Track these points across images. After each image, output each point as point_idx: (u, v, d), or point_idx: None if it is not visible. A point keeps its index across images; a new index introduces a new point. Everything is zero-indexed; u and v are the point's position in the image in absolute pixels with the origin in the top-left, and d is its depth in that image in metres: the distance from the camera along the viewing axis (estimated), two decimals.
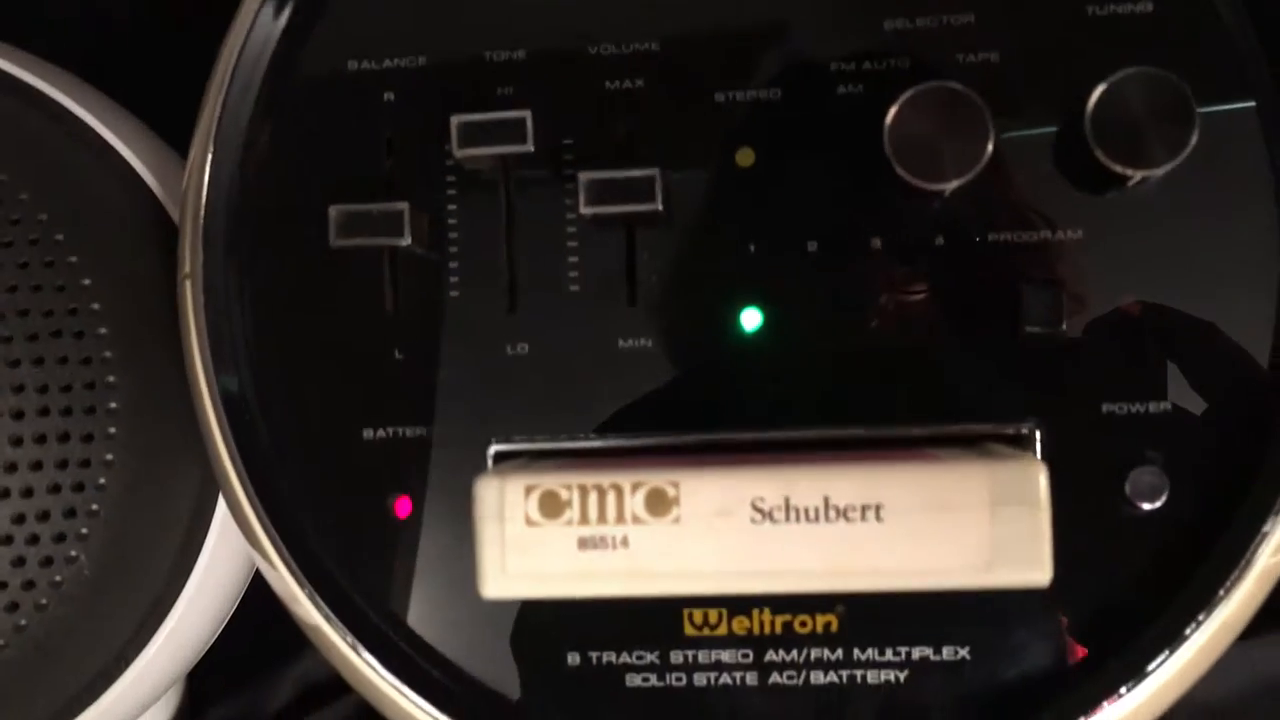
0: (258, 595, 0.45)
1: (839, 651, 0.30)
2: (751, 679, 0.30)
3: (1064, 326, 0.29)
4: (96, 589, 0.39)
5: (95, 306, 0.39)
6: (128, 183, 0.40)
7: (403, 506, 0.31)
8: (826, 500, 0.24)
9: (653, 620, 0.30)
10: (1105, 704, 0.29)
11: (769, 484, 0.24)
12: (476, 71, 0.31)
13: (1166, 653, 0.28)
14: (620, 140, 0.30)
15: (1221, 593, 0.28)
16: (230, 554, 0.43)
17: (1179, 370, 0.29)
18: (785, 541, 0.24)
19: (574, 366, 0.31)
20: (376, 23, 0.32)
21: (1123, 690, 0.28)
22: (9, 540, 0.37)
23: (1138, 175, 0.28)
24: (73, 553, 0.38)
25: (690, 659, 0.30)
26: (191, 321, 0.31)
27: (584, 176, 0.29)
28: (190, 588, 0.41)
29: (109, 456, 0.39)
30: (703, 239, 0.31)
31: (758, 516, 0.24)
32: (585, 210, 0.29)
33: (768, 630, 0.30)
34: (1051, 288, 0.29)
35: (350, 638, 0.31)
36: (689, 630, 0.30)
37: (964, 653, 0.30)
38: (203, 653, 0.47)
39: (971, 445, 0.28)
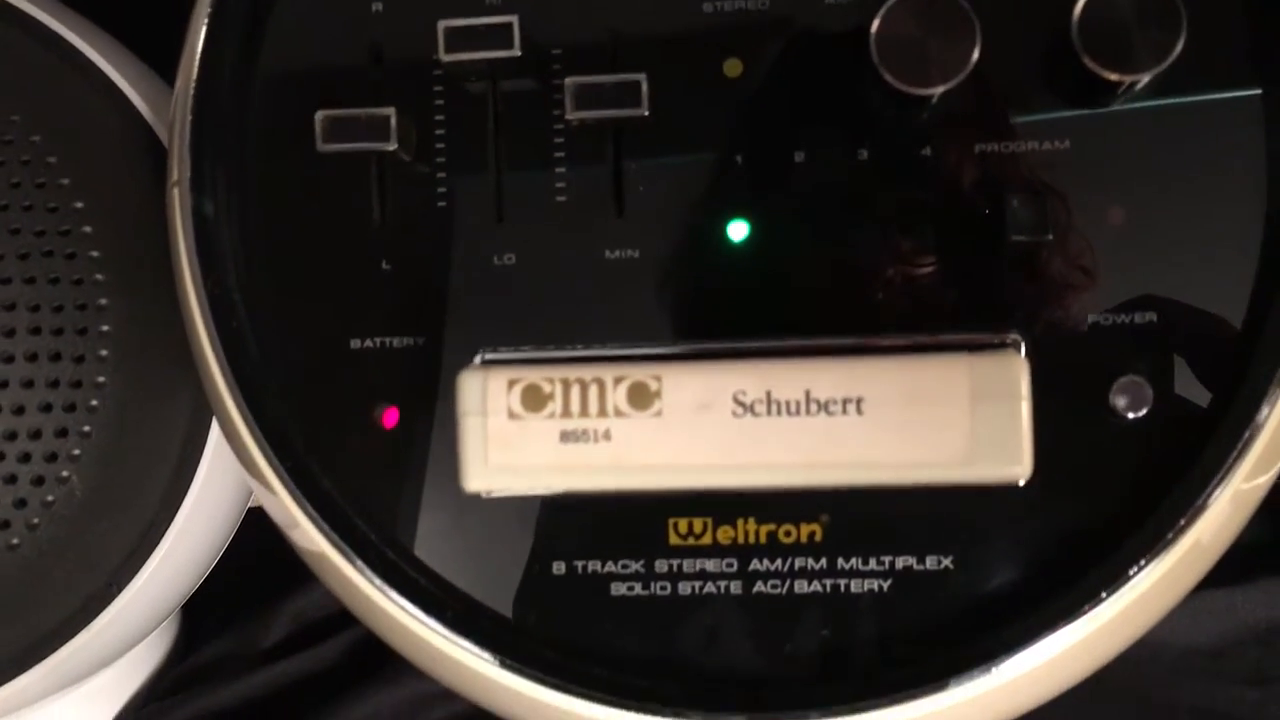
0: (252, 531, 0.46)
1: (823, 561, 0.30)
2: (736, 588, 0.30)
3: (1050, 236, 0.29)
4: (88, 511, 0.39)
5: (87, 229, 0.39)
6: (120, 108, 0.41)
7: (390, 417, 0.31)
8: (808, 394, 0.24)
9: (638, 530, 0.30)
10: (1087, 611, 0.29)
11: (751, 377, 0.24)
12: None
13: (1148, 560, 0.28)
14: (608, 50, 0.30)
15: (1202, 502, 0.28)
16: (225, 481, 0.43)
17: (1164, 281, 0.29)
18: (766, 435, 0.24)
19: (561, 277, 0.31)
20: None
21: (1104, 596, 0.28)
22: (1, 456, 0.38)
23: (1125, 81, 0.28)
24: (64, 473, 0.39)
25: (675, 568, 0.30)
26: (179, 229, 0.31)
27: (570, 81, 0.29)
28: (183, 513, 0.42)
29: (100, 378, 0.39)
30: (690, 150, 0.31)
31: (739, 410, 0.24)
32: (572, 115, 0.29)
33: (752, 540, 0.30)
34: (1038, 197, 0.29)
35: (346, 552, 0.31)
36: (674, 540, 0.30)
37: (947, 562, 0.30)
38: (198, 583, 0.47)
39: None
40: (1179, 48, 0.27)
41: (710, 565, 0.30)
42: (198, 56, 0.31)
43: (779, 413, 0.24)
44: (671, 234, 0.31)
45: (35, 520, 0.38)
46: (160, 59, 0.40)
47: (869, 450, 0.24)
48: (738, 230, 0.30)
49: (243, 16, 0.31)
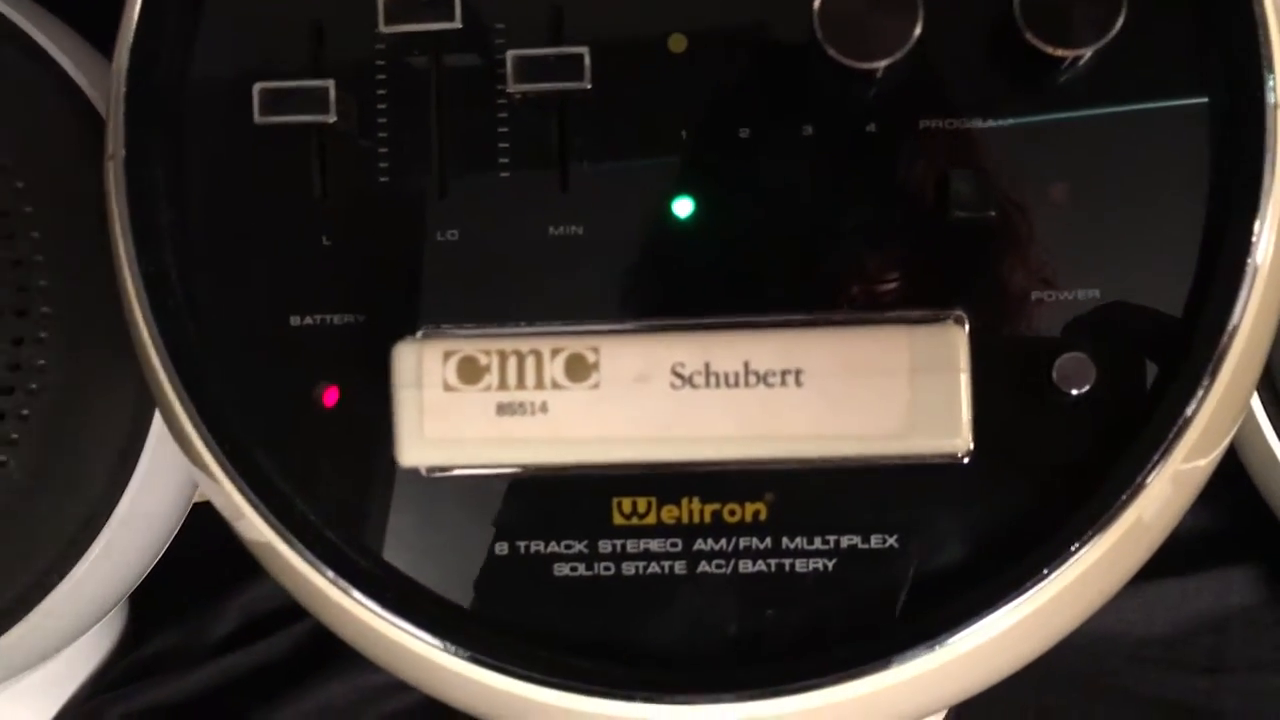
0: (201, 522, 0.45)
1: (767, 540, 0.30)
2: (680, 568, 0.30)
3: (992, 213, 0.29)
4: (28, 496, 0.38)
5: (27, 209, 0.38)
6: (60, 85, 0.40)
7: (330, 396, 0.31)
8: (746, 365, 0.24)
9: (582, 510, 0.30)
10: (1030, 588, 0.29)
11: (689, 349, 0.24)
12: None
13: (1091, 535, 0.28)
14: (550, 25, 0.30)
15: (1140, 481, 0.28)
16: (170, 468, 0.42)
17: (1107, 258, 0.29)
18: (705, 407, 0.24)
19: (505, 253, 0.30)
20: None
21: (1046, 573, 0.28)
22: None
23: (1068, 56, 0.28)
24: (2, 457, 0.38)
25: (619, 548, 0.30)
26: (115, 206, 0.31)
27: (513, 54, 0.29)
28: (127, 500, 0.41)
29: (40, 361, 0.38)
30: (635, 125, 0.30)
31: (677, 382, 0.24)
32: (514, 88, 0.29)
33: (696, 519, 0.30)
34: (980, 174, 0.29)
35: (287, 537, 0.31)
36: (618, 520, 0.30)
37: (892, 540, 0.30)
38: (144, 574, 0.46)
39: None
40: (1119, 23, 0.27)
41: (654, 545, 0.30)
42: (133, 27, 0.30)
43: (718, 384, 0.24)
44: (616, 210, 0.30)
45: None
46: (102, 34, 0.39)
47: (808, 422, 0.24)
48: (683, 207, 0.30)
49: None
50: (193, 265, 0.31)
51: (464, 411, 0.24)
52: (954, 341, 0.24)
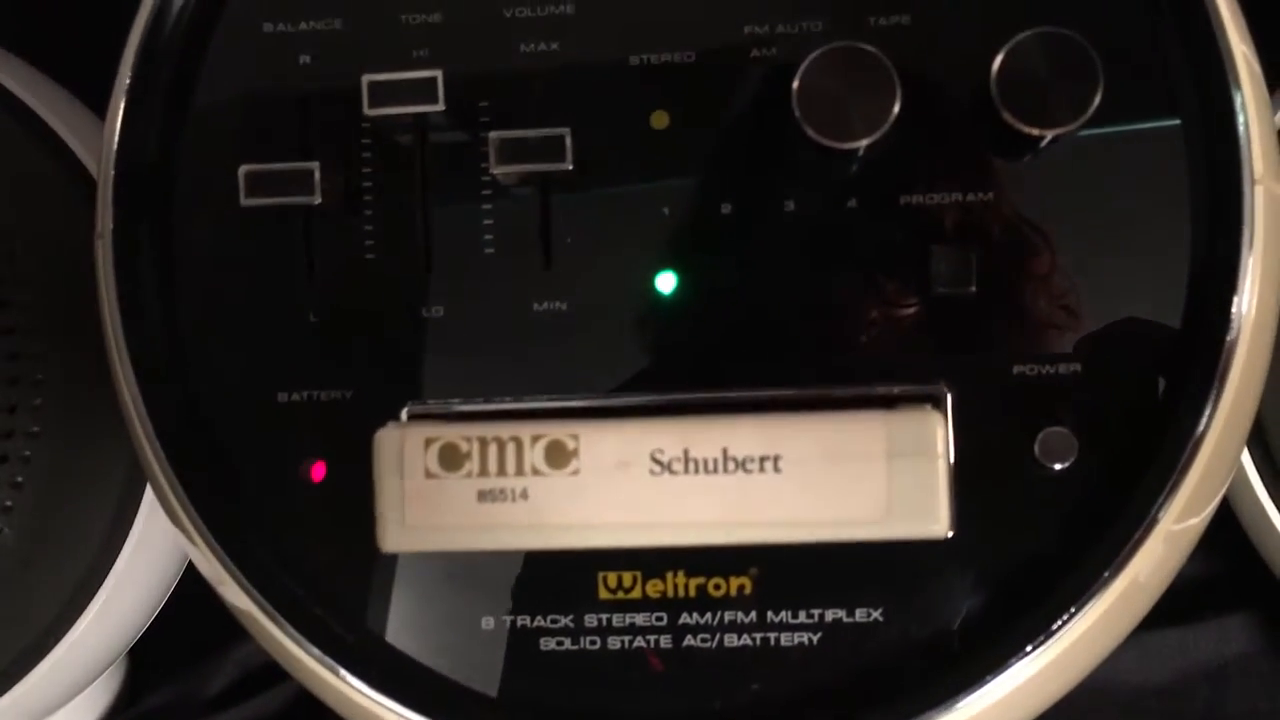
0: (198, 578, 0.45)
1: (752, 614, 0.30)
2: (665, 642, 0.30)
3: (973, 289, 0.29)
4: (22, 562, 0.39)
5: (20, 276, 0.39)
6: (58, 154, 0.40)
7: (318, 471, 0.31)
8: (725, 451, 0.24)
9: (567, 584, 0.30)
10: (1014, 663, 0.29)
11: (668, 435, 0.24)
12: (392, 35, 0.31)
13: (1074, 611, 0.28)
14: (534, 103, 0.30)
15: (1128, 552, 0.28)
16: (163, 532, 0.42)
17: (1088, 334, 0.30)
18: (685, 493, 0.24)
19: (489, 329, 0.31)
20: None
21: (1029, 649, 0.28)
22: None
23: (1046, 135, 0.28)
24: None
25: (604, 622, 0.30)
26: (103, 281, 0.31)
27: (494, 136, 0.29)
28: (120, 565, 0.41)
29: (34, 429, 0.38)
30: (618, 202, 0.31)
31: (657, 468, 0.24)
32: (496, 169, 0.29)
33: (682, 593, 0.30)
34: (961, 250, 0.29)
35: (271, 612, 0.31)
36: (603, 594, 0.30)
37: (876, 614, 0.30)
38: (138, 634, 0.46)
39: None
40: (1096, 102, 0.27)
41: (640, 619, 0.30)
42: (122, 108, 0.31)
43: (697, 470, 0.24)
44: (599, 286, 0.30)
45: None
46: (95, 95, 0.40)
47: (787, 508, 0.24)
48: (666, 282, 0.30)
49: (169, 69, 0.31)
50: (181, 341, 0.31)
51: (445, 498, 0.24)
52: (931, 427, 0.24)
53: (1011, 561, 0.29)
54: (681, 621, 0.30)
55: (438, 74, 0.29)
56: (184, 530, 0.32)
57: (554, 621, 0.30)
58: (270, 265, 0.31)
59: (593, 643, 0.30)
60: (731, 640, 0.30)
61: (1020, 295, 0.30)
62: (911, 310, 0.30)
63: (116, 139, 0.31)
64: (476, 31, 0.31)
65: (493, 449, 0.24)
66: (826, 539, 0.24)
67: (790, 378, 0.30)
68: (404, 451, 0.24)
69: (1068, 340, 0.29)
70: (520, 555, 0.30)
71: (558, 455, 0.24)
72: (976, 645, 0.29)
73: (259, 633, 0.32)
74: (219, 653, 0.51)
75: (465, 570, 0.30)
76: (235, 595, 0.31)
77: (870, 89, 0.28)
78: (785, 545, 0.29)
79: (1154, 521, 0.29)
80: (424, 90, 0.29)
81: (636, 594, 0.30)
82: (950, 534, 0.26)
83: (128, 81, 0.31)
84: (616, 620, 0.30)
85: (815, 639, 0.30)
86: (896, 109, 0.28)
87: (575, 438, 0.24)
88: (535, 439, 0.24)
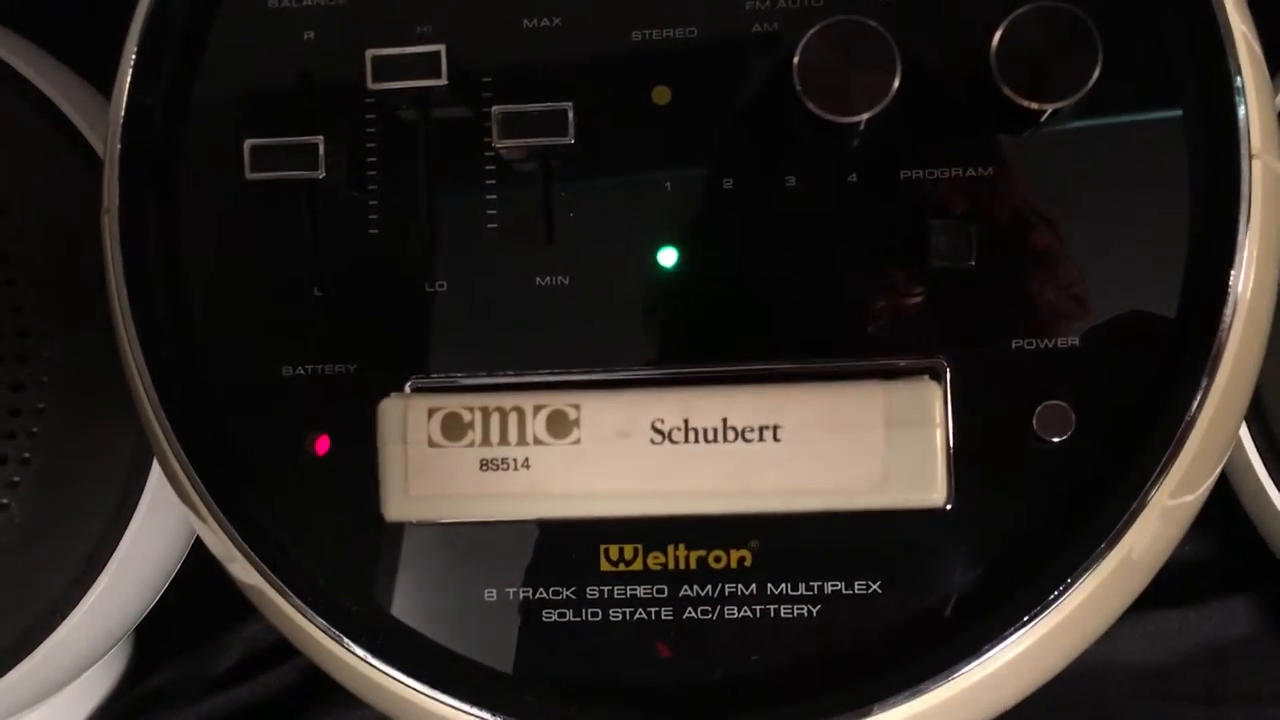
0: (205, 556, 0.46)
1: (752, 586, 0.30)
2: (666, 614, 0.30)
3: (972, 263, 0.29)
4: (29, 538, 0.39)
5: (26, 254, 0.39)
6: (64, 132, 0.41)
7: (322, 444, 0.31)
8: (725, 421, 0.24)
9: (570, 556, 0.30)
10: (1010, 635, 0.29)
11: (668, 405, 0.25)
12: (396, 10, 0.31)
13: (1070, 583, 0.29)
14: (537, 78, 0.31)
15: (1123, 526, 0.29)
16: (171, 507, 0.43)
17: (1086, 308, 0.30)
18: (684, 462, 0.24)
19: (492, 303, 0.31)
20: None
21: (1026, 621, 0.29)
22: None
23: (1045, 109, 0.28)
24: (3, 500, 0.38)
25: (606, 594, 0.30)
26: (110, 256, 0.31)
27: (497, 110, 0.29)
28: (128, 540, 0.41)
29: (40, 405, 0.39)
30: (619, 176, 0.31)
31: (657, 437, 0.25)
32: (498, 143, 0.29)
33: (682, 566, 0.30)
34: (960, 224, 0.29)
35: (278, 585, 0.31)
36: (605, 566, 0.30)
37: (875, 586, 0.30)
38: (146, 610, 0.47)
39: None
40: (1095, 76, 0.28)
41: (641, 591, 0.30)
42: (128, 84, 0.31)
43: (697, 440, 0.24)
44: (602, 260, 0.31)
45: None
46: (100, 74, 0.40)
47: (786, 477, 0.24)
48: (667, 257, 0.31)
49: (174, 44, 0.31)
50: (187, 316, 0.32)
51: (448, 467, 0.25)
52: (929, 397, 0.24)
53: (1008, 534, 0.29)
54: (682, 594, 0.30)
55: (441, 49, 0.29)
56: (192, 505, 0.32)
57: (556, 593, 0.31)
58: (275, 240, 0.31)
59: (594, 614, 0.31)
60: (731, 612, 0.30)
61: (1019, 270, 0.30)
62: (911, 284, 0.30)
63: (123, 115, 0.31)
64: (479, 6, 0.31)
65: (495, 419, 0.25)
66: (825, 508, 0.24)
67: (790, 351, 0.30)
68: (407, 421, 0.25)
69: (1066, 315, 0.30)
70: (523, 527, 0.30)
71: (559, 425, 0.25)
72: (973, 617, 0.29)
73: (266, 607, 0.32)
74: (225, 631, 0.51)
75: (468, 542, 0.31)
76: (244, 570, 0.32)
77: (871, 63, 0.28)
78: (785, 518, 0.29)
79: (1149, 496, 0.29)
80: (427, 65, 0.29)
81: (638, 566, 0.30)
82: (948, 504, 0.26)
83: (133, 58, 0.31)
84: (618, 592, 0.30)
85: (814, 610, 0.30)
86: (897, 84, 0.28)
87: (576, 407, 0.25)
88: (537, 409, 0.25)
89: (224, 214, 0.32)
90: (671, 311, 0.31)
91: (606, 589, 0.31)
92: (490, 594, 0.31)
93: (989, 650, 0.29)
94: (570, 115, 0.29)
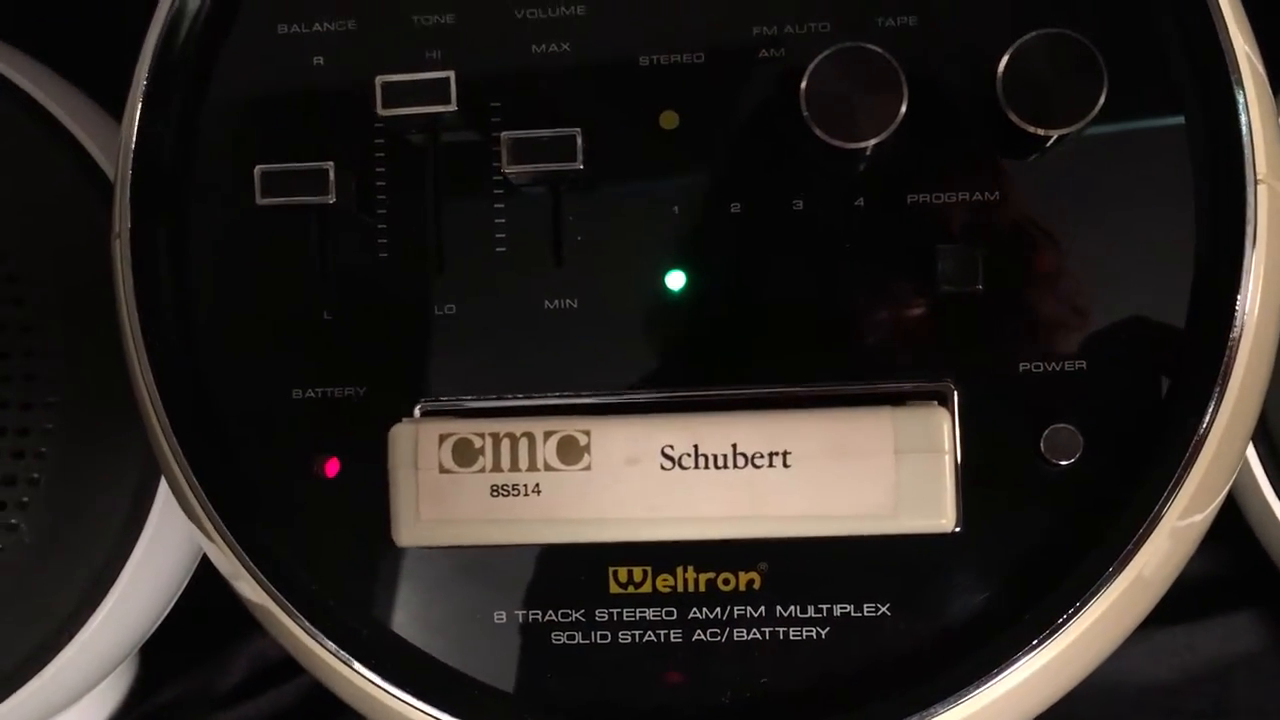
0: (211, 573, 0.46)
1: (761, 609, 0.30)
2: (675, 636, 0.30)
3: (979, 287, 0.29)
4: (37, 558, 0.39)
5: (36, 274, 0.39)
6: (73, 153, 0.41)
7: (331, 467, 0.31)
8: (734, 447, 0.25)
9: (579, 579, 0.31)
10: (1020, 657, 0.29)
11: (678, 432, 0.25)
12: (405, 36, 0.31)
13: (1080, 606, 0.29)
14: (546, 103, 0.31)
15: (1133, 547, 0.29)
16: (178, 526, 0.43)
17: (1094, 331, 0.30)
18: (694, 488, 0.25)
19: (502, 327, 0.31)
20: None
21: (1035, 644, 0.29)
22: None
23: (1051, 136, 0.28)
24: (12, 520, 0.39)
25: (615, 617, 0.31)
26: (120, 280, 0.31)
27: (506, 136, 0.29)
28: (135, 559, 0.41)
29: (48, 425, 0.39)
30: (628, 201, 0.31)
31: (667, 464, 0.25)
32: (508, 169, 0.29)
33: (691, 588, 0.30)
34: (967, 248, 0.29)
35: (285, 605, 0.31)
36: (614, 588, 0.31)
37: (884, 609, 0.30)
38: (153, 628, 0.47)
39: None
40: (1100, 103, 0.28)
41: (650, 614, 0.31)
42: (139, 109, 0.31)
43: (707, 466, 0.24)
44: (610, 284, 0.31)
45: None
46: (111, 96, 0.40)
47: (796, 503, 0.24)
48: (675, 280, 0.31)
49: (185, 69, 0.32)
50: (197, 339, 0.32)
51: (458, 493, 0.25)
52: (937, 423, 0.24)
53: (1017, 557, 0.30)
54: (691, 616, 0.30)
55: (450, 75, 0.29)
56: (200, 526, 0.32)
57: (565, 616, 0.31)
58: (285, 264, 0.32)
59: (603, 637, 0.31)
60: (741, 634, 0.30)
61: (1026, 293, 0.30)
62: (918, 308, 0.30)
63: (134, 140, 0.31)
64: (489, 32, 0.31)
65: (505, 445, 0.25)
66: (835, 533, 0.24)
67: (798, 375, 0.30)
68: (418, 446, 0.25)
69: (1073, 338, 0.30)
70: (532, 550, 0.30)
71: (569, 451, 0.25)
72: (983, 639, 0.30)
73: (274, 627, 0.32)
74: (231, 648, 0.51)
75: (478, 565, 0.31)
76: (251, 590, 0.32)
77: (877, 90, 0.28)
78: (794, 541, 0.29)
79: (1159, 517, 0.29)
80: (437, 91, 0.29)
81: (647, 589, 0.30)
82: (957, 529, 0.26)
83: (144, 83, 0.31)
84: (627, 615, 0.31)
85: (823, 633, 0.30)
86: (903, 109, 0.28)
87: (587, 434, 0.25)
88: (547, 435, 0.25)
89: (234, 238, 0.32)
90: (679, 334, 0.31)
91: (615, 611, 0.31)
92: (499, 616, 0.31)
93: (999, 673, 0.29)
94: (579, 140, 0.29)
